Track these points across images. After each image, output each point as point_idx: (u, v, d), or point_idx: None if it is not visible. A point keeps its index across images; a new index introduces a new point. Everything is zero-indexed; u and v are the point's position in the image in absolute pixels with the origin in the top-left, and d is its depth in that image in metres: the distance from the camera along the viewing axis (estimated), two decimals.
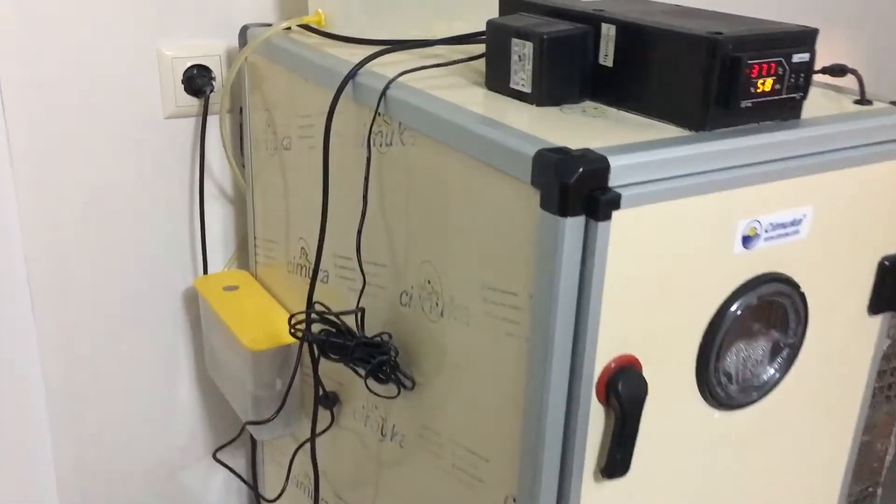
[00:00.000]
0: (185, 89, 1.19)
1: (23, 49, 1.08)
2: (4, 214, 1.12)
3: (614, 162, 0.64)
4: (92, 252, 1.20)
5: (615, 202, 0.63)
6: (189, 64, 1.18)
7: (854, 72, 0.85)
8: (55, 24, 1.09)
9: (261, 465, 1.32)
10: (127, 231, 1.21)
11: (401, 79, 0.84)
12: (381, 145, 0.85)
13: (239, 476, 1.32)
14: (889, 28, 1.85)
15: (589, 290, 0.65)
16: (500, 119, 0.73)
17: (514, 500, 0.74)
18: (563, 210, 0.63)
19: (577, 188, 0.62)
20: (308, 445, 1.05)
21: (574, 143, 0.66)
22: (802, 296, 0.77)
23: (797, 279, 0.77)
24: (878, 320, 0.86)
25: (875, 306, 0.84)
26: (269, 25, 1.13)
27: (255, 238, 1.22)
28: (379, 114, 0.83)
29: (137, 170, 1.19)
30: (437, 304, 0.81)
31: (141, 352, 1.27)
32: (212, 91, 1.19)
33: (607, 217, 0.63)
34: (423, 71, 0.86)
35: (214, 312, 1.15)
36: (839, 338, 0.84)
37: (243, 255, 1.29)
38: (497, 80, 0.82)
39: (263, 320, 1.12)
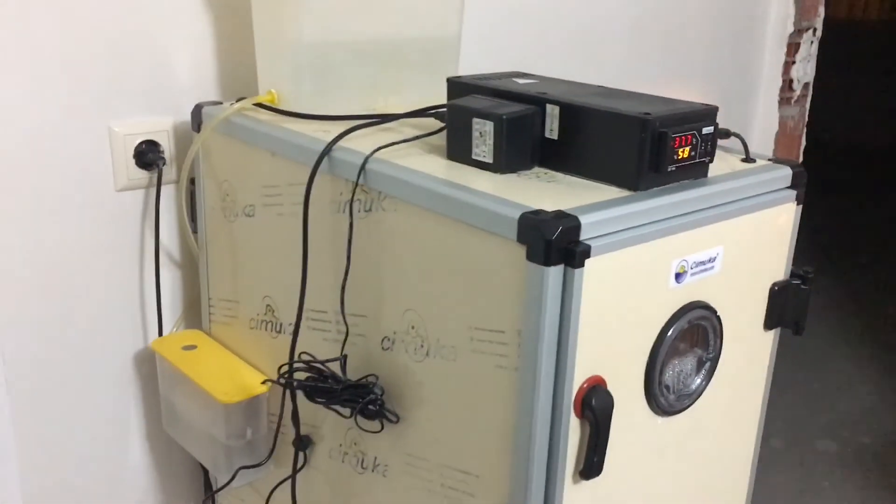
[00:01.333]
0: (136, 163, 1.27)
1: None
2: None
3: (584, 220, 0.79)
4: (50, 317, 1.24)
5: (587, 252, 0.79)
6: (139, 140, 1.26)
7: (737, 135, 1.05)
8: (14, 105, 1.15)
9: None
10: (81, 297, 1.27)
11: (367, 150, 0.97)
12: (359, 211, 0.98)
13: None
14: (732, 80, 2.14)
15: (568, 324, 0.80)
16: (472, 185, 0.88)
17: None
18: (548, 261, 0.78)
19: (558, 243, 0.78)
20: (279, 490, 1.14)
21: (546, 205, 0.81)
22: (719, 318, 0.96)
23: (714, 305, 0.95)
24: (771, 334, 1.06)
25: (768, 323, 1.04)
26: (219, 103, 1.24)
27: (209, 299, 1.30)
28: (359, 184, 0.96)
29: (90, 239, 1.26)
30: (422, 346, 0.94)
31: (94, 413, 1.32)
32: (164, 164, 1.27)
33: (581, 265, 0.79)
34: (389, 145, 1.00)
35: (178, 370, 1.22)
36: (745, 350, 1.03)
37: (191, 316, 1.37)
38: (459, 151, 0.97)
39: (229, 374, 1.21)
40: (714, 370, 0.98)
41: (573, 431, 0.85)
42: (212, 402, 1.16)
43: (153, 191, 1.28)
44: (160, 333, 1.33)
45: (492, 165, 0.93)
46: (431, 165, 0.95)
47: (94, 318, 1.29)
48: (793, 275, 1.04)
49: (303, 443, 1.15)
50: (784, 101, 2.28)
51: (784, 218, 1.01)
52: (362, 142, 1.01)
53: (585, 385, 0.84)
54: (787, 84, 2.28)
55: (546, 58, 1.70)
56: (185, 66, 1.28)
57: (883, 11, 6.26)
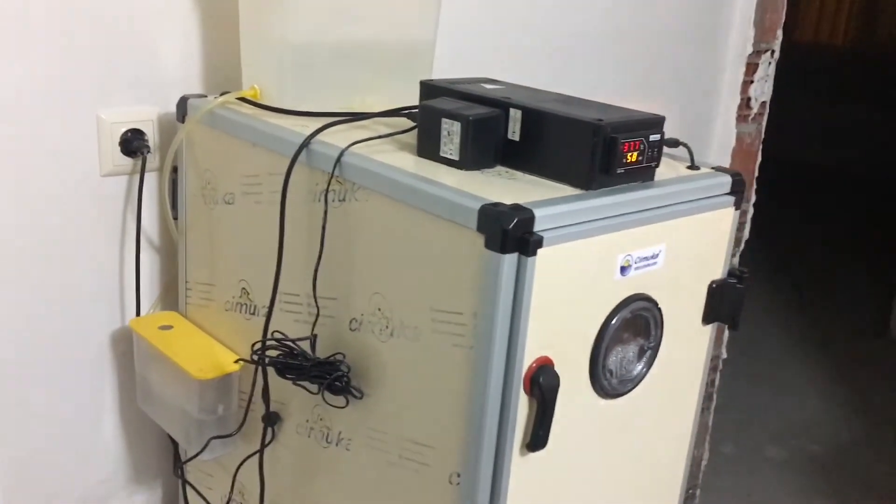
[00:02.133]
0: (122, 150, 1.33)
1: None
2: None
3: (538, 213, 0.88)
4: (32, 295, 1.30)
5: (539, 242, 0.87)
6: (125, 128, 1.33)
7: (685, 144, 1.15)
8: (4, 92, 1.21)
9: (181, 498, 1.45)
10: (62, 275, 1.33)
11: (343, 144, 1.05)
12: (333, 200, 1.05)
13: (198, 492, 1.43)
14: (693, 96, 2.25)
15: (520, 308, 0.89)
16: (438, 180, 0.96)
17: (459, 475, 0.95)
18: (504, 249, 0.86)
19: (514, 232, 0.86)
20: (246, 464, 1.21)
21: (504, 199, 0.89)
22: (660, 310, 1.04)
23: (655, 298, 1.04)
24: (708, 329, 1.15)
25: (706, 318, 1.13)
26: (203, 96, 1.31)
27: (186, 282, 1.37)
28: (334, 175, 1.03)
29: (74, 221, 1.32)
30: (386, 327, 1.01)
31: (72, 388, 1.38)
32: (148, 152, 1.34)
33: (534, 254, 0.87)
34: (364, 140, 1.07)
35: (155, 348, 1.29)
36: (684, 342, 1.12)
37: (169, 298, 1.43)
38: (428, 149, 1.05)
39: (204, 353, 1.28)
40: (654, 358, 1.07)
41: (522, 407, 0.93)
42: (187, 378, 1.23)
43: (137, 177, 1.35)
44: (138, 314, 1.39)
45: (457, 162, 1.02)
46: (402, 161, 1.03)
47: (74, 296, 1.35)
48: (730, 274, 1.14)
49: (271, 419, 1.22)
50: (741, 118, 2.39)
51: (723, 221, 1.10)
52: (338, 137, 1.08)
53: (535, 364, 0.92)
54: (745, 102, 2.39)
55: (517, 67, 1.79)
56: (172, 59, 1.35)
57: (847, 36, 6.47)
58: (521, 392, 0.92)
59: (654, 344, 1.06)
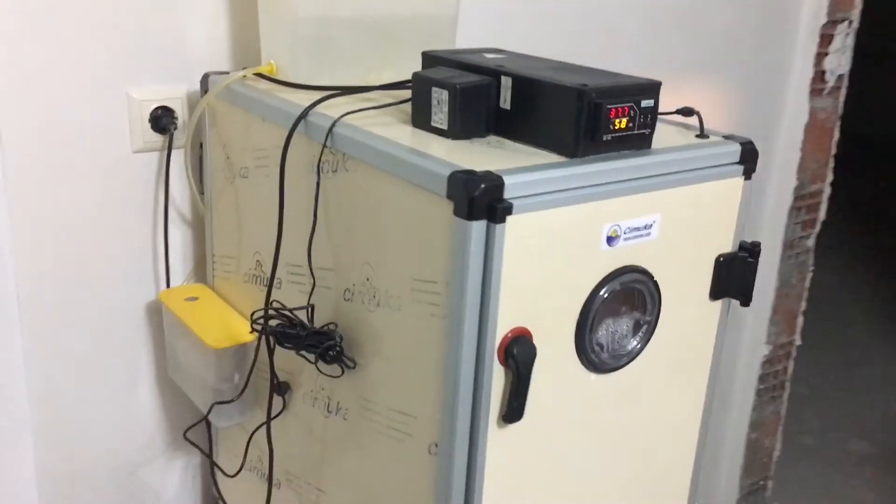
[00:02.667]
0: (151, 127, 1.37)
1: (13, 96, 1.25)
2: None
3: (508, 180, 0.86)
4: (66, 271, 1.36)
5: (508, 210, 0.86)
6: (154, 105, 1.37)
7: (697, 112, 1.10)
8: (41, 73, 1.27)
9: (216, 457, 1.50)
10: (98, 250, 1.38)
11: (344, 118, 1.05)
12: (327, 172, 1.06)
13: (204, 452, 1.48)
14: (758, 70, 2.15)
15: (490, 276, 0.87)
16: (423, 150, 0.95)
17: (437, 445, 0.95)
18: (471, 216, 0.85)
19: (481, 199, 0.84)
20: (261, 432, 1.24)
21: (479, 166, 0.88)
22: (656, 283, 1.01)
23: (651, 270, 1.00)
24: (718, 304, 1.10)
25: (714, 293, 1.08)
26: (227, 73, 1.34)
27: (212, 255, 1.41)
28: (326, 146, 1.04)
29: (108, 197, 1.37)
30: (374, 297, 1.02)
31: (108, 359, 1.44)
32: (175, 129, 1.38)
33: (503, 221, 0.86)
34: (361, 112, 1.07)
35: (179, 319, 1.33)
36: (688, 317, 1.07)
37: (200, 271, 1.48)
38: (421, 119, 1.04)
39: (223, 324, 1.31)
40: (652, 333, 1.03)
41: (497, 378, 0.92)
42: (204, 347, 1.27)
43: (173, 153, 1.39)
44: (168, 286, 1.44)
45: (447, 132, 1.00)
46: (395, 131, 1.03)
47: (110, 269, 1.40)
48: (741, 247, 1.08)
49: (281, 388, 1.24)
50: (815, 92, 2.27)
51: (731, 192, 1.05)
52: (341, 110, 1.08)
53: (510, 335, 0.91)
54: (820, 75, 2.27)
55: (563, 46, 1.75)
56: (200, 37, 1.38)
57: None
58: (496, 363, 0.91)
59: (651, 319, 1.03)
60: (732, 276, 1.08)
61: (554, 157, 0.94)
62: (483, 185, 0.84)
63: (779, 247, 2.43)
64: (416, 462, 0.98)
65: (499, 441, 0.94)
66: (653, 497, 1.15)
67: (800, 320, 2.60)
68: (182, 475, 1.58)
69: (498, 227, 0.85)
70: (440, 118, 1.01)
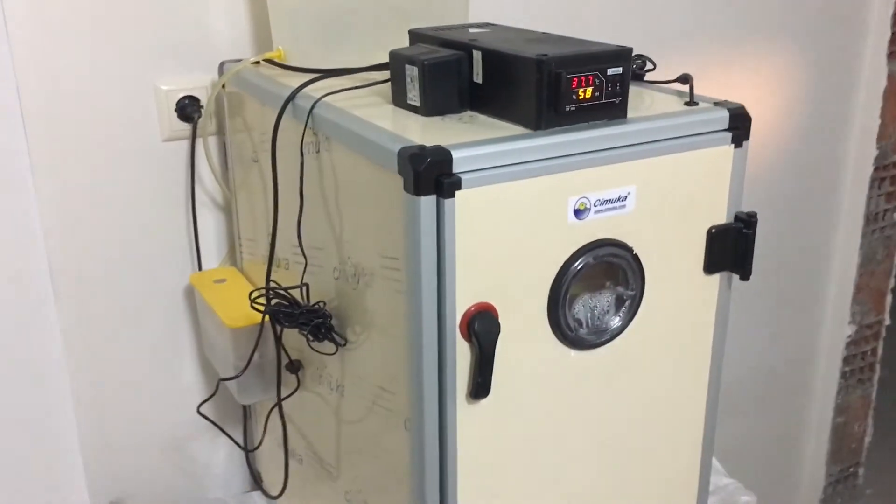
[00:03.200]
0: (178, 116, 1.43)
1: (44, 87, 1.33)
2: (30, 224, 1.37)
3: (456, 154, 0.85)
4: (104, 256, 1.44)
5: (457, 184, 0.85)
6: (181, 95, 1.42)
7: (690, 79, 1.06)
8: (70, 67, 1.34)
9: (250, 432, 1.55)
10: (134, 236, 1.45)
11: (328, 99, 1.06)
12: (311, 152, 1.08)
13: (220, 428, 1.52)
14: (827, 32, 2.03)
15: (443, 251, 0.87)
16: (392, 128, 0.95)
17: (409, 421, 0.95)
18: (418, 191, 0.85)
19: (427, 174, 0.84)
20: (292, 409, 1.28)
21: (432, 141, 0.87)
22: (636, 257, 0.98)
23: (630, 243, 0.97)
24: (715, 278, 1.06)
25: (709, 267, 1.04)
26: (239, 60, 1.38)
27: (239, 238, 1.46)
28: (308, 127, 1.06)
29: (141, 184, 1.44)
30: (354, 275, 1.03)
31: (149, 341, 1.51)
32: (199, 117, 1.43)
33: (451, 195, 0.85)
34: (347, 92, 1.08)
35: (205, 300, 1.38)
36: (680, 293, 1.04)
37: (233, 255, 1.53)
38: (399, 97, 1.04)
39: (244, 304, 1.35)
40: (636, 309, 1.00)
41: (462, 354, 0.91)
42: (223, 327, 1.31)
43: (197, 141, 1.45)
44: (199, 268, 1.49)
45: (419, 108, 1.00)
46: (374, 111, 1.03)
47: (145, 254, 1.47)
48: (736, 218, 1.04)
49: (293, 366, 1.27)
50: (894, 55, 2.13)
51: (719, 160, 1.01)
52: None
53: (473, 309, 0.90)
54: None
55: (594, 15, 1.71)
56: (223, 27, 1.43)
57: None
58: (459, 338, 0.91)
59: (634, 293, 1.00)
60: (727, 249, 1.03)
61: (519, 130, 0.93)
62: (429, 160, 0.84)
63: (860, 220, 2.29)
64: (395, 438, 0.99)
65: (470, 417, 0.94)
66: (649, 480, 1.12)
67: (888, 298, 2.45)
68: (229, 451, 1.64)
69: (447, 201, 0.85)
70: (413, 95, 1.01)
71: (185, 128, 1.44)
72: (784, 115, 2.05)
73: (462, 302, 0.89)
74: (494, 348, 0.91)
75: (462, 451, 0.95)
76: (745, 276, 1.05)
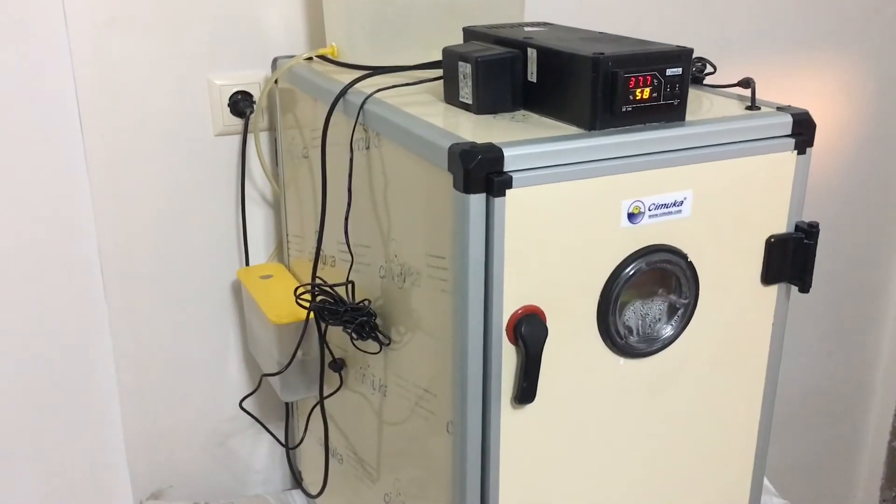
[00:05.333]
0: (231, 111, 1.43)
1: (100, 82, 1.34)
2: (81, 217, 1.38)
3: (508, 152, 0.83)
4: (153, 249, 1.45)
5: (508, 183, 0.83)
6: (234, 90, 1.43)
7: (752, 83, 1.02)
8: (126, 63, 1.35)
9: (292, 430, 1.55)
10: (183, 229, 1.46)
11: (379, 95, 1.05)
12: (361, 148, 1.06)
13: (262, 424, 1.52)
14: (893, 44, 1.97)
15: (492, 251, 0.85)
16: (443, 125, 0.94)
17: (452, 424, 0.94)
18: (468, 188, 0.83)
19: (477, 172, 0.82)
20: (336, 406, 1.27)
21: (484, 139, 0.85)
22: (690, 264, 0.95)
23: (685, 250, 0.94)
24: (773, 289, 1.02)
25: (767, 278, 1.00)
26: (292, 56, 1.37)
27: (287, 235, 1.45)
28: (359, 123, 1.05)
29: (193, 178, 1.44)
30: (401, 273, 1.01)
31: (195, 334, 1.52)
32: (252, 112, 1.43)
33: (502, 194, 0.83)
34: (398, 88, 1.07)
35: (251, 296, 1.38)
36: (736, 303, 1.00)
37: (280, 251, 1.53)
38: (451, 94, 1.02)
39: (289, 301, 1.34)
40: (689, 318, 0.97)
41: (508, 358, 0.89)
42: (268, 322, 1.31)
43: (249, 136, 1.45)
44: (247, 263, 1.49)
45: (472, 106, 0.99)
46: (426, 109, 1.02)
47: (196, 247, 1.48)
48: (796, 228, 1.00)
49: (337, 364, 1.26)
50: None
51: (781, 167, 0.97)
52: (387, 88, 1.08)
53: (520, 312, 0.88)
54: None
55: (655, 18, 1.68)
56: (276, 23, 1.43)
57: None
58: (505, 341, 0.88)
59: (687, 302, 0.96)
60: (786, 260, 0.99)
61: (572, 130, 0.90)
62: (480, 157, 0.82)
63: None
64: (437, 440, 0.97)
65: (514, 422, 0.92)
66: (696, 498, 1.08)
67: None
68: (270, 448, 1.64)
69: (497, 200, 0.83)
70: (466, 93, 0.99)
71: (238, 123, 1.44)
72: (848, 125, 1.99)
73: (510, 304, 0.87)
74: (541, 353, 0.88)
75: (505, 457, 0.93)
76: (805, 288, 1.01)
